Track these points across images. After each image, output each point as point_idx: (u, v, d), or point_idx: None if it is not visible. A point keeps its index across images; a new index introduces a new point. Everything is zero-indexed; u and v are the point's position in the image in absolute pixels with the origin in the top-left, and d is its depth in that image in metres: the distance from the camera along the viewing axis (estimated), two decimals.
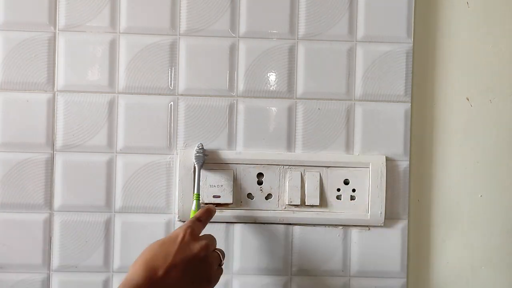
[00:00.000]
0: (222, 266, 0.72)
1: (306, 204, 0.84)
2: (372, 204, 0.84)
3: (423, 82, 0.87)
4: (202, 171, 0.83)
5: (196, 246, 0.67)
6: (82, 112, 0.84)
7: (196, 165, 0.82)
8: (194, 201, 0.79)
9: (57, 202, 0.84)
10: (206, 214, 0.75)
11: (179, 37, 0.85)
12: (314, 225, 0.85)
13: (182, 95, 0.85)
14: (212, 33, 0.85)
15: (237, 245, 0.85)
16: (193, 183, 0.83)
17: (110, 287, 0.84)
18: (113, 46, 0.84)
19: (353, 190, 0.85)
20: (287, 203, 0.84)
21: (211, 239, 0.71)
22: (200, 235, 0.71)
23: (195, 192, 0.80)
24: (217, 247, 0.73)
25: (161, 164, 0.84)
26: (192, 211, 0.79)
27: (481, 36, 0.88)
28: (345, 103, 0.86)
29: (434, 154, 0.88)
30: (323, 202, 0.85)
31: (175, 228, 0.84)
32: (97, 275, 0.84)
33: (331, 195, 0.85)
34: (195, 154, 0.82)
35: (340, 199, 0.85)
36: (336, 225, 0.85)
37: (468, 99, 0.88)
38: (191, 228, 0.69)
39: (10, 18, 0.84)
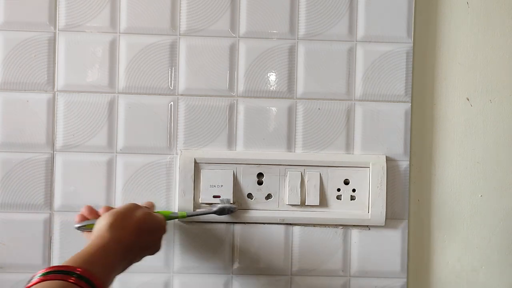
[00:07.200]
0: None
1: (306, 204, 0.84)
2: (372, 204, 0.84)
3: (423, 82, 0.87)
4: (202, 171, 0.83)
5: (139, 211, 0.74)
6: (82, 112, 0.84)
7: None
8: None
9: (57, 202, 0.84)
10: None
11: (179, 37, 0.85)
12: (314, 225, 0.85)
13: (182, 95, 0.85)
14: (212, 33, 0.85)
15: (237, 245, 0.85)
16: (193, 183, 0.83)
17: None
18: (113, 46, 0.84)
19: (353, 190, 0.85)
20: (287, 203, 0.84)
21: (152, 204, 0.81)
22: None
23: None
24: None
25: (161, 164, 0.84)
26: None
27: (481, 36, 0.88)
28: (345, 103, 0.86)
29: (434, 154, 0.88)
30: (323, 202, 0.85)
31: (175, 229, 0.84)
32: None
33: (331, 195, 0.85)
34: None
35: (340, 199, 0.85)
36: (336, 225, 0.85)
37: (468, 99, 0.88)
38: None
39: (10, 18, 0.84)
